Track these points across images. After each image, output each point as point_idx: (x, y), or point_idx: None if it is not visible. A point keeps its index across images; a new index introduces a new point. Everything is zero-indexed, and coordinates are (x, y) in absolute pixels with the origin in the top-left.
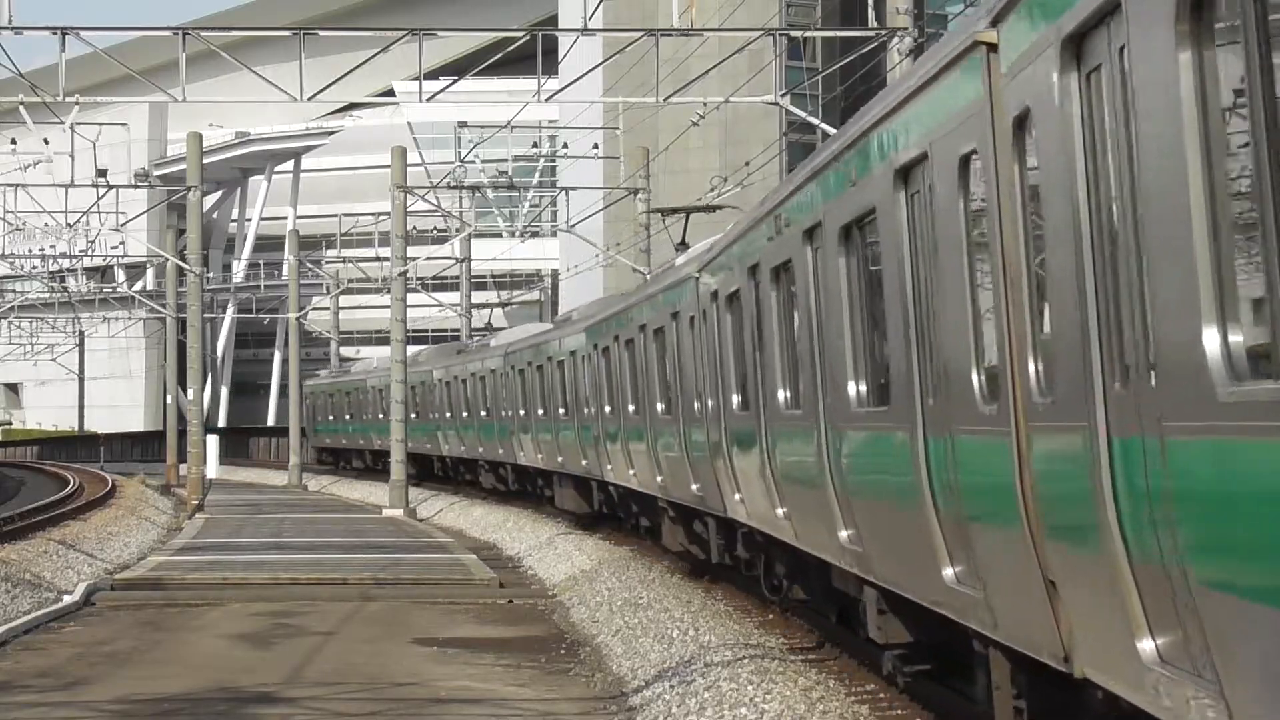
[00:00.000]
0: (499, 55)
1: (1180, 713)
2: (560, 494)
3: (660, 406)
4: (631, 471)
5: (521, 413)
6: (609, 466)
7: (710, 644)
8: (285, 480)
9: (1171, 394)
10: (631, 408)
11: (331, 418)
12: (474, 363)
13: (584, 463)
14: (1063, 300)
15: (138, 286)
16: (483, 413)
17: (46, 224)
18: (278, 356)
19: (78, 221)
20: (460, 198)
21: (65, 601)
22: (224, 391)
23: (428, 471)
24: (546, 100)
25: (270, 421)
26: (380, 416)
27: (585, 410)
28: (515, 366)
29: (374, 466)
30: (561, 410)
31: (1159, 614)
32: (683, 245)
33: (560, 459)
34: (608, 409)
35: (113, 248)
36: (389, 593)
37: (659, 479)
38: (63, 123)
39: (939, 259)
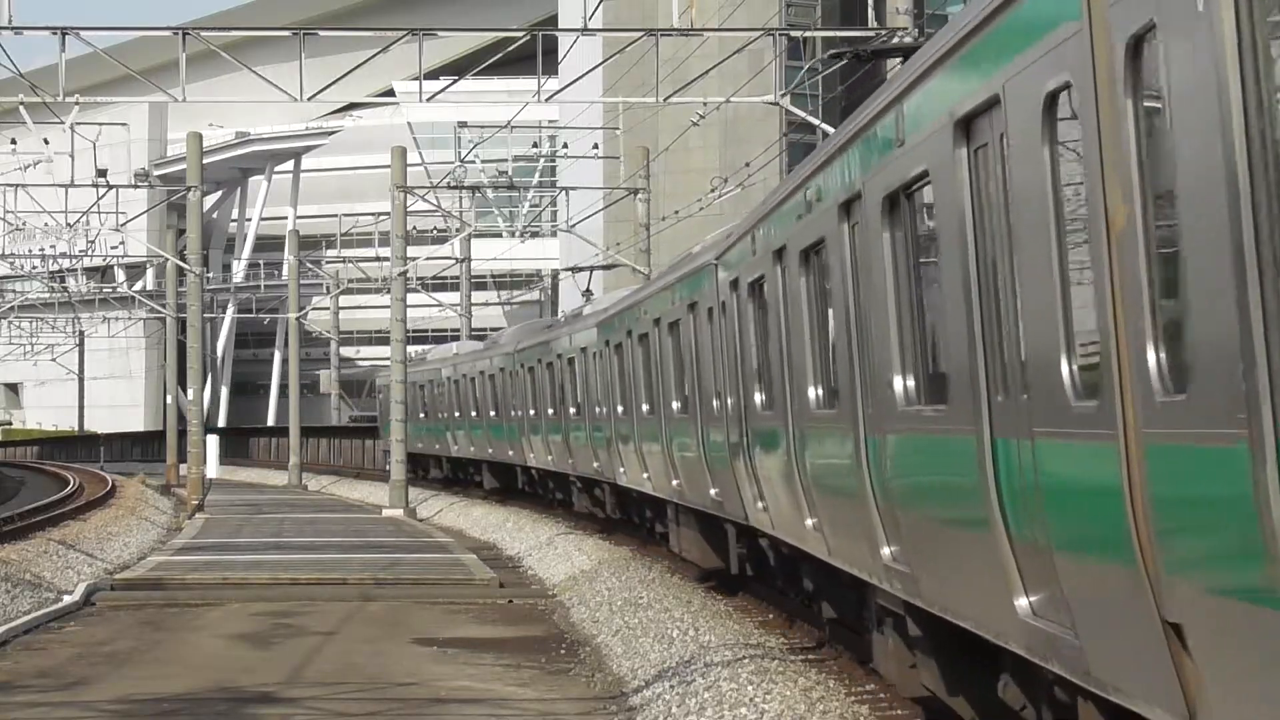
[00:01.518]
0: (499, 55)
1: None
2: (678, 535)
3: (905, 385)
4: (810, 521)
5: (620, 409)
6: (760, 503)
7: (710, 644)
8: (285, 480)
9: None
10: (813, 395)
11: None
12: (562, 340)
13: (712, 492)
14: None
15: (138, 286)
16: (572, 410)
17: (46, 224)
18: (278, 356)
19: (78, 221)
20: (460, 198)
21: (65, 601)
22: (224, 391)
23: (512, 486)
24: (546, 100)
25: (270, 421)
26: (457, 415)
27: (715, 402)
28: (610, 341)
29: (455, 477)
30: (676, 404)
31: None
32: None
33: (676, 482)
34: (759, 397)
35: (113, 248)
36: (389, 593)
37: (888, 552)
38: (63, 123)
39: None
